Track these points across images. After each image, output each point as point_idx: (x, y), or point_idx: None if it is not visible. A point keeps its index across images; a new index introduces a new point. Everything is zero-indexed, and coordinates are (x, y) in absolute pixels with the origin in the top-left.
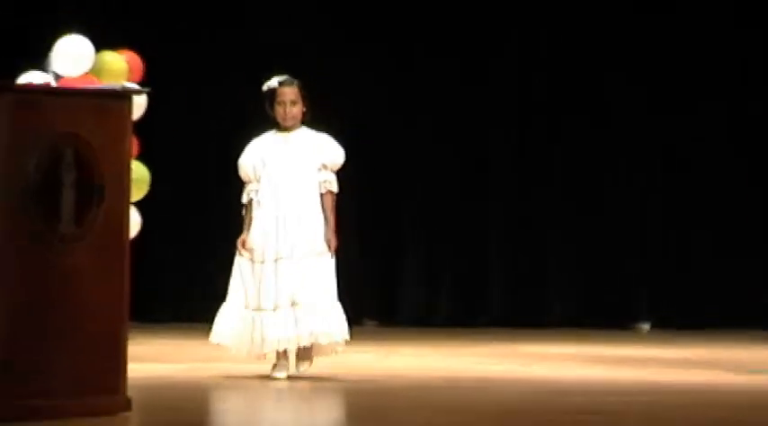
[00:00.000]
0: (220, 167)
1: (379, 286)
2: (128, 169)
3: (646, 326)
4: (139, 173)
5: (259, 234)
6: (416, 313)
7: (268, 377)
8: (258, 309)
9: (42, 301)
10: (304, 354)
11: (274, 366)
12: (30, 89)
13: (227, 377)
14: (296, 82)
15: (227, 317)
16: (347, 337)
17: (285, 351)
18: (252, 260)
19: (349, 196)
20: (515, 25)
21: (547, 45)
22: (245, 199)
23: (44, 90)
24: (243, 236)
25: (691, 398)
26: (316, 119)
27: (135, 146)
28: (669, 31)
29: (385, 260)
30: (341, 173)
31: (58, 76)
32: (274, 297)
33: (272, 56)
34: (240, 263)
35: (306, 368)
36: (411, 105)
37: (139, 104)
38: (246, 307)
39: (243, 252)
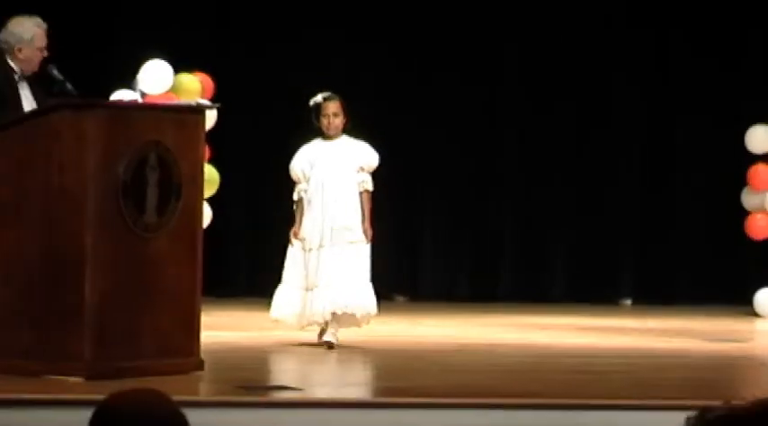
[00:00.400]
0: (277, 169)
1: (407, 267)
2: (201, 171)
3: (628, 302)
4: (210, 175)
5: (308, 226)
6: (439, 290)
7: (316, 344)
8: (307, 289)
9: (130, 279)
10: (341, 322)
11: (321, 332)
12: (120, 105)
13: (283, 344)
14: (338, 97)
15: (282, 296)
16: (375, 311)
17: (327, 322)
18: (303, 248)
19: (384, 194)
20: (517, 28)
21: (550, 46)
22: (295, 197)
23: (132, 105)
24: (295, 228)
25: (663, 361)
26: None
27: (207, 151)
28: (669, 34)
29: (412, 246)
30: (375, 174)
31: (143, 94)
32: (316, 278)
33: (317, 72)
34: (292, 251)
35: (335, 333)
36: (422, 106)
37: (211, 117)
38: (298, 288)
39: (294, 241)
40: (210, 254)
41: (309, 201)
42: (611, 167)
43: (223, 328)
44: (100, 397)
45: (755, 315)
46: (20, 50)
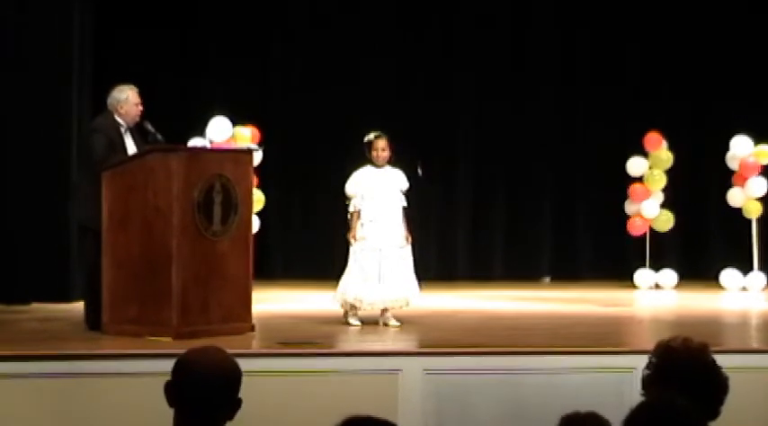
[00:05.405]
0: (302, 191)
1: None
2: (251, 193)
3: (547, 279)
4: (258, 196)
5: (368, 232)
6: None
7: (376, 322)
8: (365, 280)
9: (202, 269)
10: (394, 307)
11: (346, 314)
12: (194, 149)
13: (305, 313)
14: (385, 136)
15: (345, 284)
16: (417, 298)
17: (385, 308)
18: (363, 248)
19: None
20: None
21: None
22: (351, 209)
23: (203, 149)
24: (352, 233)
25: (572, 320)
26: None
27: (255, 179)
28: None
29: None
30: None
31: (211, 141)
32: (376, 273)
33: (328, 122)
34: (355, 250)
35: (393, 321)
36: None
37: (257, 155)
38: (359, 279)
39: (353, 242)
40: (258, 250)
41: (370, 218)
42: (534, 186)
43: (267, 302)
44: (182, 351)
45: (635, 287)
46: (121, 107)
